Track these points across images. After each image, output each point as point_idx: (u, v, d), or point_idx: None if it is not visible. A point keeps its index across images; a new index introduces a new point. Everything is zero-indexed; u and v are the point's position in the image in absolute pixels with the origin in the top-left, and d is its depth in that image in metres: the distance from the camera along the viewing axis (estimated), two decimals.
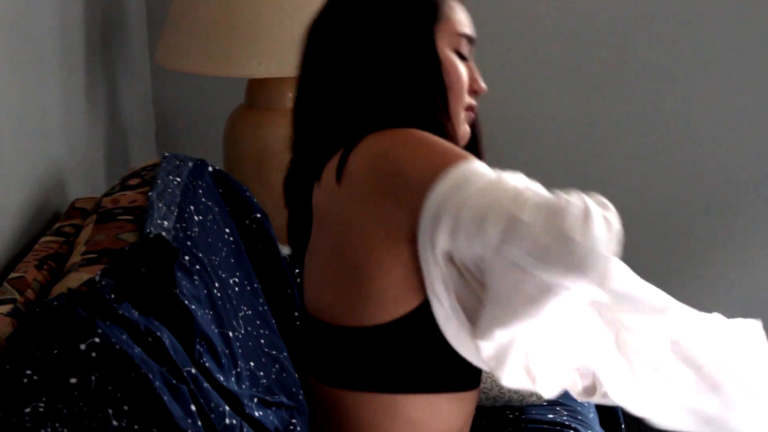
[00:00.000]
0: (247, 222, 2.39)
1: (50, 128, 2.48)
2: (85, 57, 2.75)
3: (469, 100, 1.86)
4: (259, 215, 2.40)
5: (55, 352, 1.53)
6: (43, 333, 1.56)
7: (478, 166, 1.67)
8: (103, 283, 1.69)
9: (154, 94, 3.43)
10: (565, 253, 1.57)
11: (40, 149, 2.41)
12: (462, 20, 1.85)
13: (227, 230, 2.27)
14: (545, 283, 1.59)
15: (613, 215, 1.63)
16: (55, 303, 1.59)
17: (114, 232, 2.08)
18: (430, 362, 1.80)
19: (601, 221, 1.60)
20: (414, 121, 1.76)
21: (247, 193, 2.42)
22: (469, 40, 1.85)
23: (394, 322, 1.78)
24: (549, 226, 1.57)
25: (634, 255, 3.49)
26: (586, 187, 3.45)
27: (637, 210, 3.49)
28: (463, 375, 1.87)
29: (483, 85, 1.87)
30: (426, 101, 1.78)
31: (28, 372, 1.52)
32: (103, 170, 2.90)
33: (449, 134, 1.79)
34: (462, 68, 1.84)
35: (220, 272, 2.09)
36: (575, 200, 1.62)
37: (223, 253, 2.17)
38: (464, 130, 1.87)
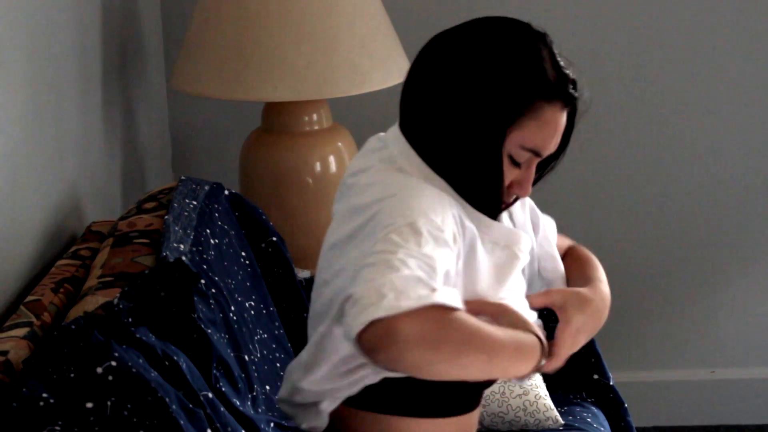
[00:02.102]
0: (263, 245, 2.39)
1: (67, 152, 2.49)
2: (102, 81, 2.76)
3: (506, 198, 1.83)
4: (275, 239, 2.40)
5: (72, 375, 1.53)
6: (60, 356, 1.56)
7: None
8: (121, 306, 1.69)
9: (170, 117, 3.44)
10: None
11: (57, 172, 2.41)
12: (535, 136, 1.77)
13: (243, 254, 2.27)
14: None
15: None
16: (73, 327, 1.59)
17: (130, 255, 2.08)
18: (427, 385, 1.80)
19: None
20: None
21: (263, 217, 2.42)
22: (535, 153, 1.78)
23: None
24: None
25: (657, 271, 3.50)
26: (601, 206, 3.45)
27: (657, 226, 3.49)
28: (461, 397, 1.87)
29: (526, 191, 1.82)
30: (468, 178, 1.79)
31: (45, 395, 1.52)
32: (120, 193, 2.91)
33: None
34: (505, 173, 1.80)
35: (236, 296, 2.09)
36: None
37: (240, 277, 2.18)
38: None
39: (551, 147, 1.79)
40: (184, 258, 1.83)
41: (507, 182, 1.79)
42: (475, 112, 1.74)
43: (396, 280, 1.55)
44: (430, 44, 1.82)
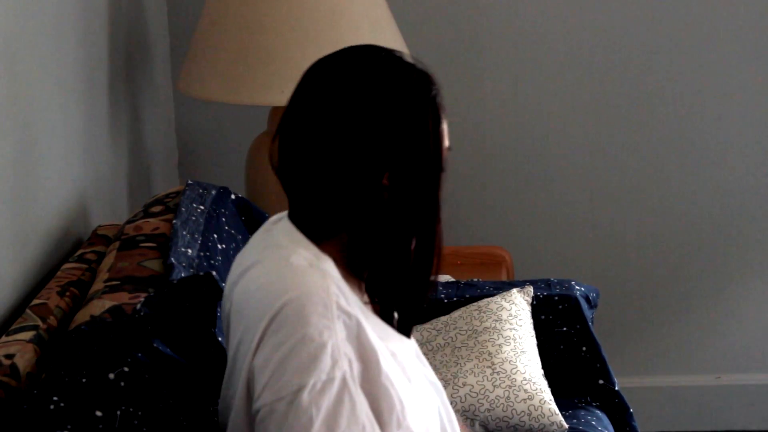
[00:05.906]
0: None
1: (73, 155, 2.49)
2: (108, 85, 2.76)
3: None
4: None
5: (84, 380, 1.53)
6: (74, 359, 1.56)
7: None
8: (143, 313, 1.68)
9: (176, 121, 3.44)
10: None
11: (64, 176, 2.42)
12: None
13: None
14: None
15: None
16: (88, 329, 1.59)
17: (137, 259, 2.09)
18: None
19: None
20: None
21: None
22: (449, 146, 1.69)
23: None
24: None
25: (662, 277, 3.50)
26: (607, 212, 3.44)
27: (662, 232, 3.48)
28: None
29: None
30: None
31: (55, 399, 1.52)
32: (126, 197, 2.91)
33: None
34: None
35: None
36: None
37: None
38: None
39: None
40: (214, 273, 1.82)
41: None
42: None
43: None
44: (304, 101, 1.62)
